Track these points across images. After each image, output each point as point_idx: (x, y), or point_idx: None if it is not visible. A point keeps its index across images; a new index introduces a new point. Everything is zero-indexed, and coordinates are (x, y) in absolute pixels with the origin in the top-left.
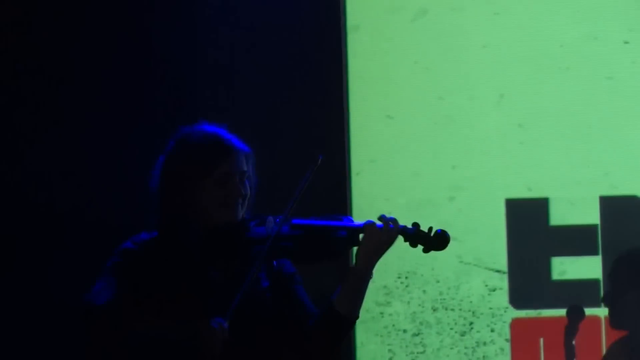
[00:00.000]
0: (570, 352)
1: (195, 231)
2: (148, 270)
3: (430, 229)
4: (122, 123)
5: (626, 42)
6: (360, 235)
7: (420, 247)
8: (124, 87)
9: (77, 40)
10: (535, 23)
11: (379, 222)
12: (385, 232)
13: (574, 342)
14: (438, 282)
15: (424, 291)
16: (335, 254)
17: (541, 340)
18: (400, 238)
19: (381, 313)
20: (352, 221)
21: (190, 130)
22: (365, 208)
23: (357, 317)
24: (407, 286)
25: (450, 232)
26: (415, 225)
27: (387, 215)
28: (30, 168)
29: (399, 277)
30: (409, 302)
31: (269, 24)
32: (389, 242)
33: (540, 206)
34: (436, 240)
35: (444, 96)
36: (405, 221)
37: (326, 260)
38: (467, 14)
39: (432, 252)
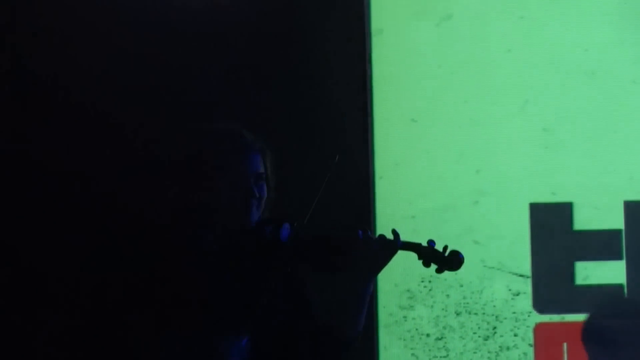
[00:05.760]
0: None
1: (207, 233)
2: (164, 276)
3: (445, 248)
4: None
5: None
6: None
7: (433, 267)
8: (142, 83)
9: (80, 35)
10: (560, 27)
11: (379, 235)
12: (382, 247)
13: None
14: (461, 286)
15: (448, 295)
16: (346, 266)
17: (565, 345)
18: (414, 256)
19: (404, 317)
20: (365, 230)
21: (204, 129)
22: (388, 212)
23: (360, 332)
24: (430, 290)
25: (473, 236)
26: (430, 243)
27: (373, 234)
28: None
29: (423, 281)
30: (432, 306)
31: (292, 26)
32: (387, 258)
33: (564, 211)
34: (450, 261)
35: (468, 100)
36: (429, 226)
37: (338, 271)
38: (492, 18)
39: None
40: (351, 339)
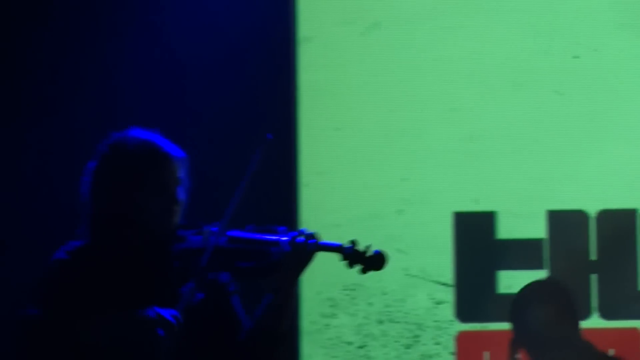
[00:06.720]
0: None
1: (129, 241)
2: (83, 281)
3: (368, 247)
4: (55, 125)
5: (576, 57)
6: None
7: (357, 268)
8: (58, 88)
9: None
10: (486, 37)
11: (299, 237)
12: (303, 249)
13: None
14: (384, 294)
15: (370, 303)
16: (269, 271)
17: (486, 354)
18: (337, 263)
19: (327, 325)
20: (285, 232)
21: (124, 137)
22: (313, 220)
23: (284, 332)
24: (353, 298)
25: (397, 245)
26: (353, 243)
27: (308, 230)
28: None
29: (345, 289)
30: (354, 315)
31: (219, 33)
32: (307, 260)
33: (487, 220)
34: (374, 261)
35: (395, 109)
36: (353, 234)
37: (261, 276)
38: (420, 28)
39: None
40: (278, 336)
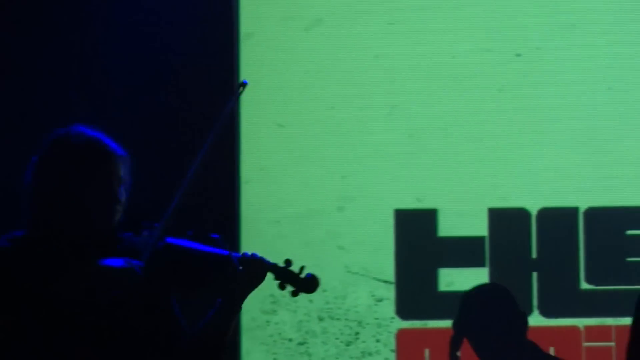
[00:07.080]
0: None
1: (68, 238)
2: (24, 269)
3: (302, 269)
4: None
5: (518, 55)
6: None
7: (289, 289)
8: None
9: None
10: (428, 34)
11: (251, 258)
12: (260, 269)
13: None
14: (325, 291)
15: (311, 300)
16: (205, 283)
17: (426, 351)
18: (269, 275)
19: (267, 321)
20: (222, 242)
21: (67, 134)
22: (253, 216)
23: (225, 345)
24: None
25: (338, 242)
26: (287, 263)
27: (257, 254)
28: None
29: None
30: (295, 311)
31: (160, 29)
32: (261, 280)
33: (428, 217)
34: (306, 284)
35: (336, 106)
36: (294, 231)
37: (196, 288)
38: (361, 24)
39: (316, 265)
40: (220, 350)
